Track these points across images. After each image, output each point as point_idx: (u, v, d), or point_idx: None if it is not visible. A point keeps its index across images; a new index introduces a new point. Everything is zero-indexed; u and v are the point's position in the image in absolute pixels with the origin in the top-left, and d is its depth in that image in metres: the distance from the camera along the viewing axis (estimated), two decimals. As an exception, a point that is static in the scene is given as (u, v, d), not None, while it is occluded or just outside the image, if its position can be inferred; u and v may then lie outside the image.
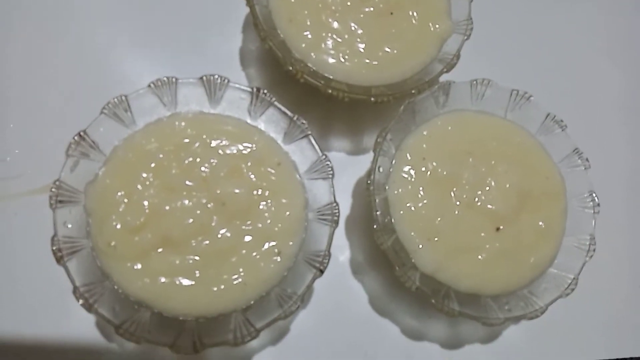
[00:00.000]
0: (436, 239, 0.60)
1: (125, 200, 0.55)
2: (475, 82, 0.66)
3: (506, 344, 0.70)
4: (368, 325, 0.68)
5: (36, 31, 0.72)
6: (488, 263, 0.61)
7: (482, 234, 0.61)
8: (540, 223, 0.63)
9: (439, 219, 0.61)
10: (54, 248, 0.53)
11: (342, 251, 0.71)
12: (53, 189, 0.54)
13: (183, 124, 0.60)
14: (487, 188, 0.62)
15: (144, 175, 0.57)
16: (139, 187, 0.56)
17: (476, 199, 0.62)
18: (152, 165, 0.57)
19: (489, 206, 0.62)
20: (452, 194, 0.62)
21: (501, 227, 0.62)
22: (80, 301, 0.52)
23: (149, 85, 0.59)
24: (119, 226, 0.55)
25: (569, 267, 0.63)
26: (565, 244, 0.64)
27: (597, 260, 0.63)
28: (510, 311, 0.61)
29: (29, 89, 0.70)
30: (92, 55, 0.73)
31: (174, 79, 0.59)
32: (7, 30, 0.72)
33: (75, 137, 0.56)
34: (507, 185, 0.63)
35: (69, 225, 0.55)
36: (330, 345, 0.66)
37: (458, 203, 0.62)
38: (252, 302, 0.56)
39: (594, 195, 0.65)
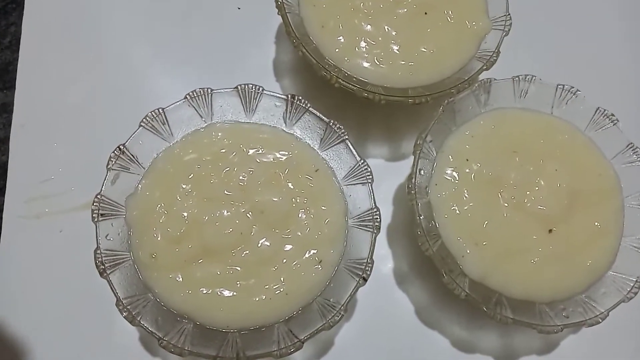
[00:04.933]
0: (484, 243, 0.58)
1: (165, 211, 0.56)
2: (517, 78, 0.64)
3: (566, 356, 0.65)
4: (415, 337, 0.65)
5: (75, 49, 0.75)
6: (541, 267, 0.57)
7: (534, 237, 0.58)
8: (596, 223, 0.60)
9: (486, 222, 0.58)
10: (97, 261, 0.53)
11: (385, 261, 0.69)
12: (95, 203, 0.55)
13: (220, 134, 0.60)
14: (537, 188, 0.59)
15: (183, 186, 0.57)
16: (178, 198, 0.56)
17: (525, 200, 0.59)
18: (191, 176, 0.57)
19: (540, 207, 0.59)
20: (499, 196, 0.59)
21: (554, 229, 0.59)
22: (124, 314, 0.52)
23: (185, 97, 0.59)
24: (159, 238, 0.55)
25: (630, 269, 0.59)
26: (624, 245, 0.60)
27: (661, 261, 0.58)
28: (568, 318, 0.57)
29: (70, 107, 0.72)
30: (130, 70, 0.74)
31: (209, 90, 0.60)
32: (47, 49, 0.74)
33: (115, 151, 0.57)
34: (558, 185, 0.60)
35: (111, 239, 0.55)
36: (376, 359, 0.64)
37: (506, 205, 0.59)
38: (294, 313, 0.55)
39: (653, 191, 0.61)
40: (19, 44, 0.74)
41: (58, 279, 0.64)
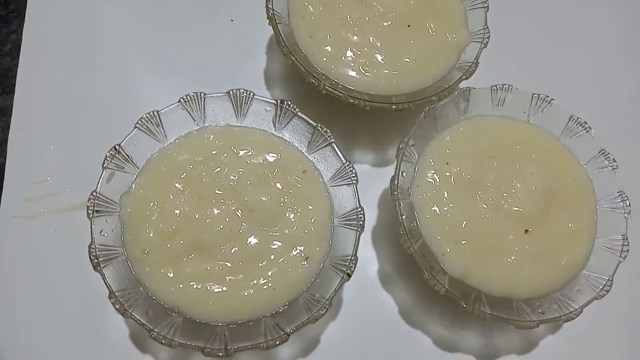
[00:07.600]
0: (463, 242, 0.60)
1: (158, 209, 0.58)
2: (495, 87, 0.67)
3: (544, 354, 0.68)
4: (399, 337, 0.67)
5: (73, 57, 0.77)
6: (518, 266, 0.60)
7: (511, 237, 0.61)
8: (570, 225, 0.62)
9: (465, 222, 0.61)
10: (91, 255, 0.55)
11: (370, 263, 0.71)
12: (90, 200, 0.57)
13: (212, 136, 0.62)
14: (513, 190, 0.62)
15: (176, 185, 0.59)
16: (171, 196, 0.58)
17: (502, 202, 0.62)
18: (183, 175, 0.60)
19: (516, 208, 0.61)
20: (478, 197, 0.62)
21: (530, 230, 0.61)
22: (116, 306, 0.53)
23: (179, 101, 0.62)
24: (152, 234, 0.57)
25: (602, 269, 0.62)
26: (597, 246, 0.63)
27: (631, 262, 0.61)
28: (544, 314, 0.59)
29: (67, 112, 0.74)
30: (125, 78, 0.77)
31: (202, 94, 0.62)
32: (45, 56, 0.77)
33: (111, 151, 0.59)
34: (534, 188, 0.62)
35: (105, 234, 0.57)
36: (360, 357, 0.66)
37: (484, 206, 0.62)
38: (281, 308, 0.57)
39: (624, 194, 0.64)
40: (19, 51, 0.76)
41: (51, 277, 0.65)
